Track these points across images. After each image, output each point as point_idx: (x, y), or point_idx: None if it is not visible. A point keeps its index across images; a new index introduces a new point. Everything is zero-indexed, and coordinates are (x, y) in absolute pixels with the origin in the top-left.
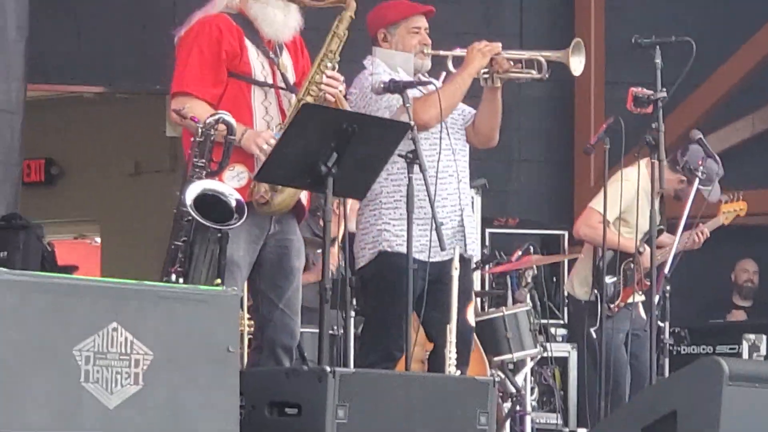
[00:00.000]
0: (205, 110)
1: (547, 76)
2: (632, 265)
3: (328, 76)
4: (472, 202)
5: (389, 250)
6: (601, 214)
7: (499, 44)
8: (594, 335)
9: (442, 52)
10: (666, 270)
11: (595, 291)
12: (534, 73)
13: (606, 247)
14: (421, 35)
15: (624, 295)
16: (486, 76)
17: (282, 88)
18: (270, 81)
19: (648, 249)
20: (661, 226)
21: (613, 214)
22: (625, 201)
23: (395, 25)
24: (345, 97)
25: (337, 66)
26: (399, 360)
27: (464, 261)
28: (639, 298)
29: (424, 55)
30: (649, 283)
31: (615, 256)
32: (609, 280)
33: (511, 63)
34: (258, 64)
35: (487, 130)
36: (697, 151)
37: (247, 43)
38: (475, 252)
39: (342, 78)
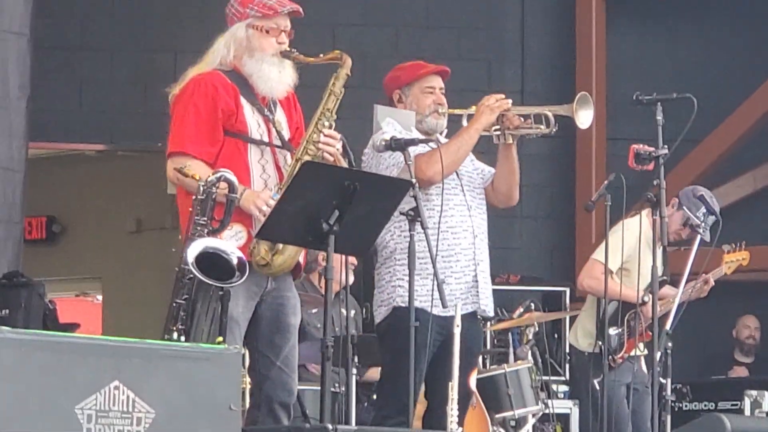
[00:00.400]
0: (204, 170)
1: (555, 130)
2: (636, 316)
3: (325, 135)
4: None
5: (403, 305)
6: (603, 266)
7: (509, 100)
8: (597, 387)
9: (457, 111)
10: (668, 326)
11: (600, 343)
12: (543, 128)
13: (609, 298)
14: (435, 95)
15: (628, 347)
16: (497, 133)
17: (278, 146)
18: (266, 139)
19: (650, 298)
20: (665, 277)
21: (616, 264)
22: (626, 251)
23: (409, 85)
24: (348, 153)
25: (334, 124)
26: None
27: (475, 320)
28: (641, 351)
29: (439, 114)
30: (651, 335)
31: (618, 307)
32: (613, 331)
33: (521, 119)
34: (254, 122)
35: (506, 189)
36: (699, 207)
37: (243, 100)
38: (488, 308)
39: (339, 136)
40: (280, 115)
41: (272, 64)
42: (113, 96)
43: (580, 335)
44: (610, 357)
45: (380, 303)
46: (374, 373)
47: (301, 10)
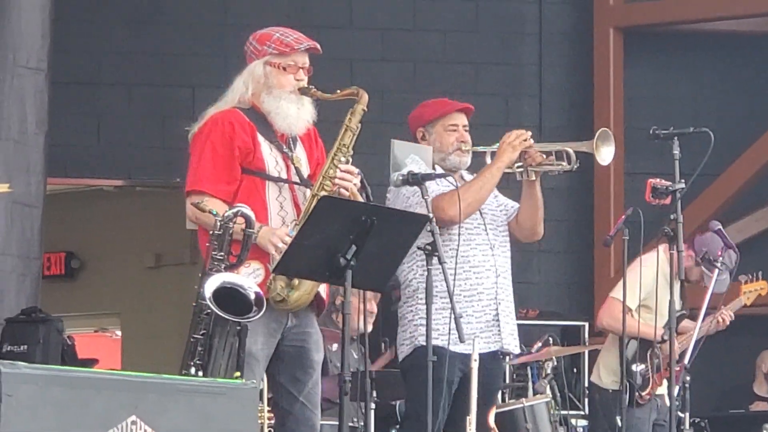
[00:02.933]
0: (221, 208)
1: (576, 166)
2: (658, 353)
3: (342, 170)
4: None
5: (425, 344)
6: (622, 303)
7: (529, 133)
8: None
9: (480, 148)
10: (686, 360)
11: (626, 380)
12: (565, 165)
13: (629, 336)
14: (458, 132)
15: (653, 384)
16: (521, 170)
17: (297, 183)
18: (284, 176)
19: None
20: (684, 311)
21: (634, 302)
22: (645, 287)
23: (432, 123)
24: (365, 188)
25: (350, 160)
26: None
27: (496, 358)
28: (662, 390)
29: (462, 152)
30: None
31: (640, 344)
32: (637, 368)
33: (543, 156)
34: (271, 160)
35: (530, 224)
36: (716, 241)
37: (260, 138)
38: (510, 346)
39: (357, 171)
40: (299, 152)
41: (290, 101)
42: (131, 131)
43: (603, 373)
44: (637, 394)
45: (402, 341)
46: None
47: (318, 46)
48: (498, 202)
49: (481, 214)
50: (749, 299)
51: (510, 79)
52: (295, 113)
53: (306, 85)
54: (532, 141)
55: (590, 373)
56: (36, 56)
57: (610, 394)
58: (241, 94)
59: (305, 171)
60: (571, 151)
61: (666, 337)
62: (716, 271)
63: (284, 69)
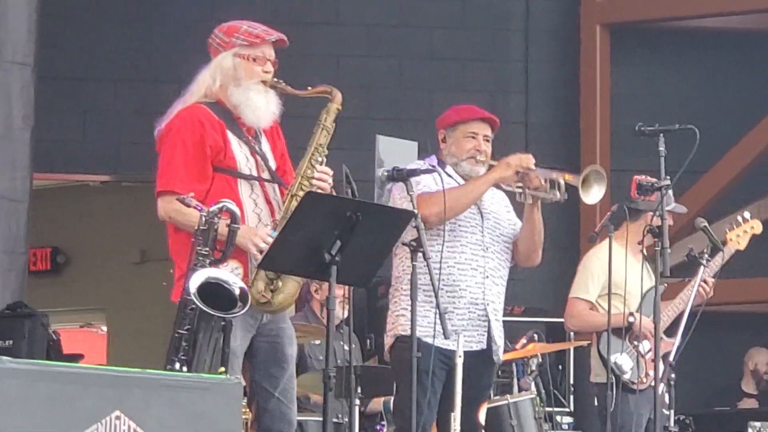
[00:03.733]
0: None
1: (565, 199)
2: (637, 337)
3: (318, 171)
4: None
5: (404, 333)
6: (582, 300)
7: (531, 158)
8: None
9: (493, 162)
10: (671, 357)
11: (611, 375)
12: (557, 194)
13: (600, 330)
14: (477, 141)
15: (647, 367)
16: (519, 190)
17: (268, 181)
18: (254, 172)
19: (637, 317)
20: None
21: (593, 295)
22: (600, 278)
23: (453, 127)
24: (351, 183)
25: (325, 160)
26: None
27: (486, 357)
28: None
29: (477, 161)
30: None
31: (616, 333)
32: (621, 359)
33: (541, 182)
34: (242, 157)
35: (524, 249)
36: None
37: (230, 135)
38: (499, 350)
39: (331, 172)
40: (264, 145)
41: (258, 93)
42: (117, 127)
43: (595, 369)
44: (629, 381)
45: (387, 332)
46: (377, 404)
47: (286, 39)
48: (509, 216)
49: (481, 215)
50: (742, 242)
51: (496, 76)
52: (264, 105)
53: (276, 79)
54: (532, 164)
55: (575, 369)
56: (22, 51)
57: (598, 388)
58: (208, 87)
59: (272, 165)
60: (561, 182)
61: (632, 320)
62: (701, 268)
63: (253, 60)
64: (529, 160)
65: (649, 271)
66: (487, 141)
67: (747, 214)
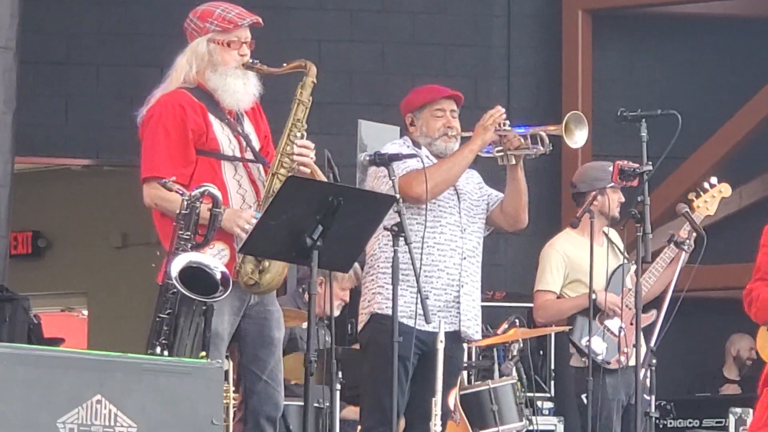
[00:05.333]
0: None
1: (550, 149)
2: (605, 316)
3: (299, 146)
4: None
5: (380, 312)
6: (546, 292)
7: (501, 109)
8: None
9: (465, 134)
10: (652, 342)
11: (584, 359)
12: (540, 149)
13: (567, 315)
14: (445, 118)
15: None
16: (500, 154)
17: (251, 161)
18: (238, 154)
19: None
20: (624, 263)
21: (557, 285)
22: (559, 267)
23: (420, 109)
24: (333, 168)
25: (305, 134)
26: (399, 423)
27: (457, 338)
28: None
29: (449, 137)
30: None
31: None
32: (592, 341)
33: (521, 139)
34: (224, 139)
35: (512, 211)
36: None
37: (211, 118)
38: (469, 329)
39: (313, 146)
40: (247, 126)
41: (236, 77)
42: (99, 111)
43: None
44: (606, 362)
45: (362, 310)
46: (350, 413)
47: (261, 21)
48: (482, 192)
49: (458, 196)
50: (710, 206)
51: (478, 61)
52: (242, 88)
53: (251, 61)
54: (503, 115)
55: (556, 355)
56: (4, 35)
57: (575, 371)
58: (186, 73)
59: (256, 146)
60: (543, 134)
61: (593, 297)
62: (683, 254)
63: (228, 45)
64: (499, 112)
65: (615, 251)
66: (455, 116)
67: (714, 179)
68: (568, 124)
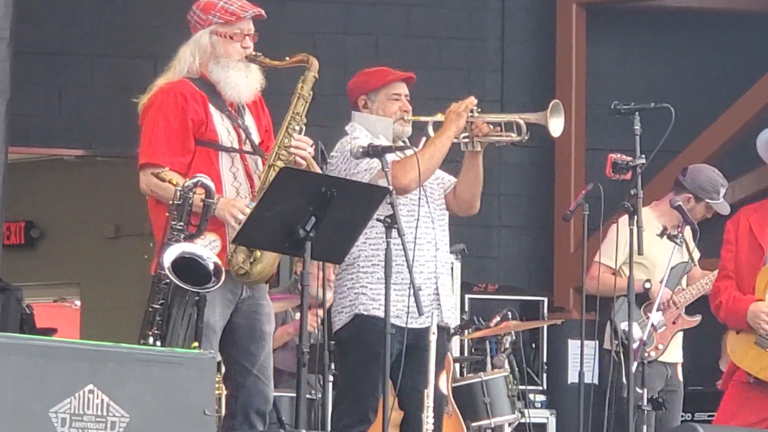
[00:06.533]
0: (177, 180)
1: (526, 138)
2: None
3: (296, 140)
4: (452, 268)
5: (365, 313)
6: (603, 265)
7: (474, 99)
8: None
9: (422, 118)
10: (644, 336)
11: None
12: (513, 136)
13: (614, 294)
14: (401, 102)
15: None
16: (466, 140)
17: (248, 152)
18: (236, 146)
19: (653, 285)
20: (687, 262)
21: (614, 261)
22: (626, 245)
23: (375, 91)
24: (326, 160)
25: (304, 128)
26: (373, 423)
27: (440, 329)
28: (674, 357)
29: (405, 121)
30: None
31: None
32: (623, 326)
33: (491, 126)
34: (223, 130)
35: (469, 197)
36: (705, 171)
37: (212, 109)
38: (450, 320)
39: (311, 141)
40: (248, 119)
41: (239, 70)
42: (93, 101)
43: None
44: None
45: (341, 309)
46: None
47: (263, 12)
48: (435, 176)
49: (422, 186)
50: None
51: (472, 54)
52: (244, 81)
53: (252, 52)
54: (475, 102)
55: (549, 348)
56: None
57: (606, 354)
58: (189, 65)
59: (256, 139)
60: (521, 122)
61: (647, 285)
62: (674, 247)
63: (230, 38)
64: (471, 101)
65: (683, 249)
66: (408, 100)
67: None
68: (547, 113)
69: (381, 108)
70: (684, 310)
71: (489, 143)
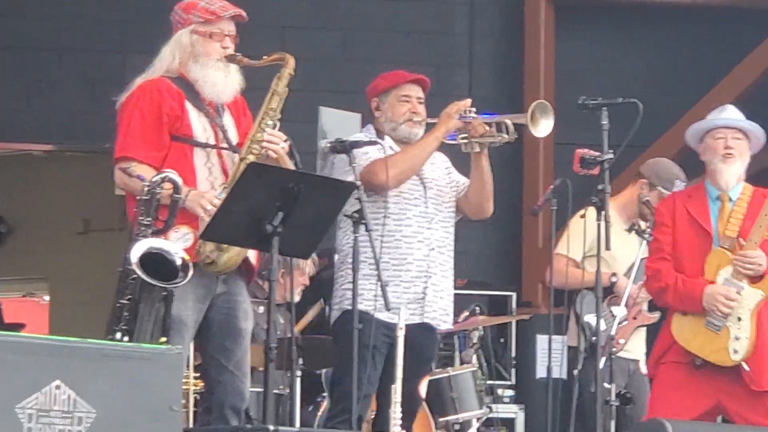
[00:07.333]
0: (149, 174)
1: (515, 137)
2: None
3: (269, 134)
4: None
5: (350, 308)
6: (565, 257)
7: (468, 100)
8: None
9: (434, 120)
10: (613, 330)
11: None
12: (505, 137)
13: (578, 287)
14: (411, 104)
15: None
16: (465, 141)
17: (224, 149)
18: (212, 142)
19: (620, 278)
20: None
21: (578, 254)
22: (589, 237)
23: (386, 93)
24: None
25: (278, 124)
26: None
27: (426, 330)
28: (636, 354)
29: (414, 123)
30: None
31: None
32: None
33: (486, 127)
34: (199, 126)
35: (477, 200)
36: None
37: (188, 105)
38: (437, 322)
39: (284, 136)
40: (227, 120)
41: (217, 69)
42: (61, 96)
43: (572, 333)
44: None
45: (334, 306)
46: None
47: (244, 14)
48: (450, 179)
49: (423, 185)
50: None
51: (441, 49)
52: (223, 81)
53: (233, 53)
54: (468, 103)
55: (517, 342)
56: None
57: (572, 352)
58: (169, 63)
59: (234, 139)
60: (509, 122)
61: (614, 279)
62: (641, 241)
63: (210, 37)
64: (466, 103)
65: (646, 243)
66: (421, 103)
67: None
68: (534, 113)
69: (390, 109)
70: (646, 305)
71: (488, 144)
